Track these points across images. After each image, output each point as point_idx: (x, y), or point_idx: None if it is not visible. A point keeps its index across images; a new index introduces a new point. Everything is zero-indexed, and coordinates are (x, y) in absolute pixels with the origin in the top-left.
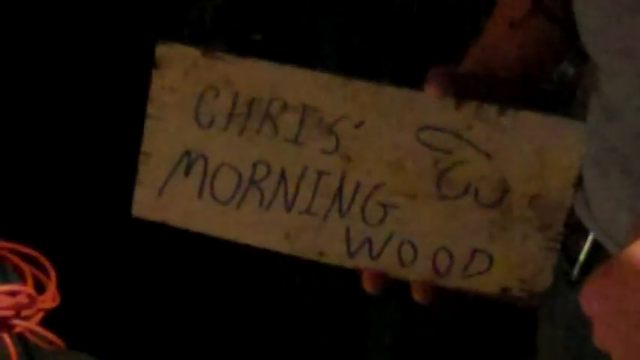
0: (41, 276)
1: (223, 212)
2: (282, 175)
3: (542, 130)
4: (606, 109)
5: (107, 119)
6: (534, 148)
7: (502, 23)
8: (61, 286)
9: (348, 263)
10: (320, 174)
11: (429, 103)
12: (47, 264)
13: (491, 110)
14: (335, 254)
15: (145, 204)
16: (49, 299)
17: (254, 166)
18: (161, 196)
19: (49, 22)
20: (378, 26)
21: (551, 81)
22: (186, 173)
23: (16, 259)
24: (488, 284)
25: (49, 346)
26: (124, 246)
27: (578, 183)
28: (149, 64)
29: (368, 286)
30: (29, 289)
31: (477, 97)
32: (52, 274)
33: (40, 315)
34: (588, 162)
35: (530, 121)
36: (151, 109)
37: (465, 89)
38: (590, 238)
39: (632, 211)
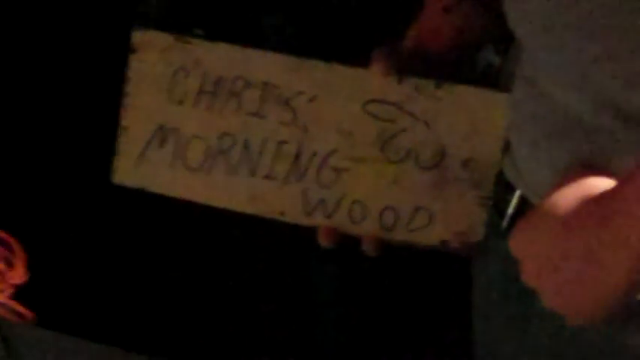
0: (9, 255)
1: (194, 179)
2: (246, 145)
3: (473, 101)
4: (530, 83)
5: (84, 99)
6: (467, 117)
7: (437, 7)
8: (35, 264)
9: (305, 221)
10: (280, 143)
11: (374, 79)
12: (14, 243)
13: (429, 84)
14: (294, 214)
15: (124, 172)
16: (18, 275)
17: (221, 137)
18: (138, 166)
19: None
20: (320, 18)
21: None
22: (161, 145)
23: None
24: (429, 237)
25: (20, 320)
26: (96, 221)
27: (506, 147)
28: (119, 48)
29: (323, 241)
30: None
31: (416, 74)
32: (20, 252)
33: (10, 290)
34: (515, 129)
35: (463, 93)
36: (128, 88)
37: (406, 67)
38: (517, 194)
39: (554, 170)
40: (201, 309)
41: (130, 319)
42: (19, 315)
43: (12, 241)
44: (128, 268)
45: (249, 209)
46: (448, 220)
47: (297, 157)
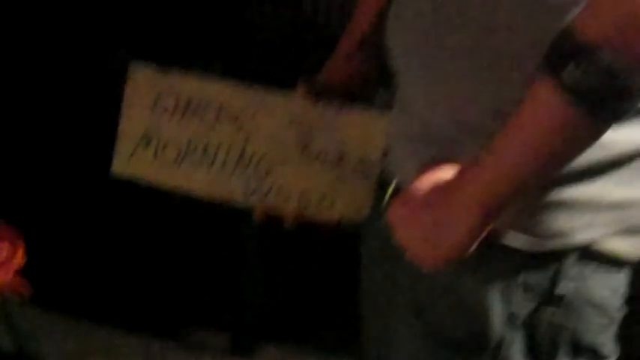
0: (14, 241)
1: (169, 172)
2: (205, 148)
3: (364, 119)
4: (402, 103)
5: (89, 108)
6: (359, 129)
7: (341, 54)
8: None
9: (246, 203)
10: (229, 146)
11: (298, 100)
12: (16, 231)
13: (334, 106)
14: (238, 197)
15: (120, 165)
16: (20, 257)
17: (188, 142)
18: (130, 161)
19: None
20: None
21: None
22: (146, 146)
23: None
24: (331, 216)
25: (20, 297)
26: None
27: (386, 150)
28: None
29: (256, 217)
30: (6, 248)
31: (327, 98)
32: (21, 239)
33: (13, 271)
34: (393, 139)
35: (357, 113)
36: (124, 105)
37: (320, 92)
38: (393, 183)
39: (419, 167)
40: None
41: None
42: (20, 293)
43: (14, 229)
44: (113, 251)
45: (206, 193)
46: (345, 203)
47: (241, 156)
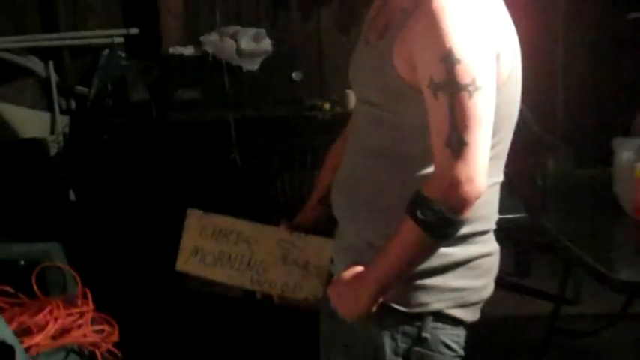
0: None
1: (209, 270)
2: (229, 257)
3: (319, 241)
4: (338, 232)
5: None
6: (316, 246)
7: (315, 198)
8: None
9: (252, 288)
10: (242, 257)
11: (281, 231)
12: (112, 320)
13: (301, 233)
14: (248, 284)
15: (181, 265)
16: (115, 335)
17: (220, 253)
18: (186, 262)
19: None
20: None
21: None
22: (195, 253)
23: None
24: (301, 296)
25: None
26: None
27: (332, 260)
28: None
29: (258, 295)
30: (107, 328)
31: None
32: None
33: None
34: (334, 253)
35: (315, 238)
36: (184, 231)
37: (296, 227)
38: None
39: (345, 266)
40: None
41: None
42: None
43: (112, 320)
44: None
45: (230, 282)
46: (308, 289)
47: (249, 262)
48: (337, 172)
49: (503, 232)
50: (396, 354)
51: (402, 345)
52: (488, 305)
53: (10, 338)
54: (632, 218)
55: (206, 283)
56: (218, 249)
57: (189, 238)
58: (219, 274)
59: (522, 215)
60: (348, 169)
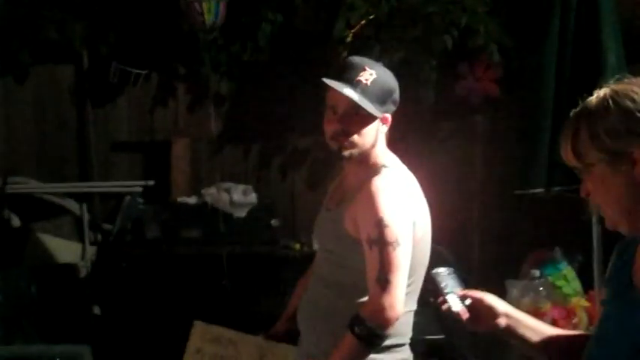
0: None
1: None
2: (222, 357)
3: (287, 348)
4: (300, 342)
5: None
6: (286, 351)
7: (282, 321)
8: None
9: None
10: (232, 357)
11: (258, 340)
12: None
13: (277, 343)
14: None
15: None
16: None
17: (215, 354)
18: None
19: None
20: None
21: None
22: (197, 354)
23: None
24: None
25: None
26: None
27: None
28: None
29: None
30: None
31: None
32: None
33: None
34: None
35: (284, 345)
36: (190, 338)
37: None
38: None
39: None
40: None
41: None
42: None
43: None
44: None
45: None
46: None
47: None
48: (302, 298)
49: (427, 350)
50: None
51: None
52: None
53: None
54: None
55: None
56: (214, 350)
57: (194, 341)
58: None
59: (441, 336)
60: (310, 295)
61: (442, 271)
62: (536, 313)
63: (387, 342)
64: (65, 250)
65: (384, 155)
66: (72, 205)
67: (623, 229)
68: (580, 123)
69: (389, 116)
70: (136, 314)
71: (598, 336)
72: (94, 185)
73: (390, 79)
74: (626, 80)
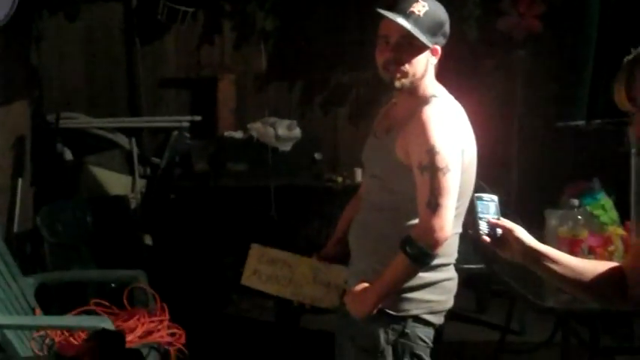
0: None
1: (264, 285)
2: (277, 277)
3: (338, 269)
4: (351, 261)
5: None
6: (337, 272)
7: (332, 241)
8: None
9: (293, 298)
10: (288, 277)
11: (313, 260)
12: (181, 328)
13: (327, 263)
14: (289, 295)
15: (245, 280)
16: (183, 338)
17: (272, 274)
18: (249, 279)
19: None
20: None
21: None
22: (254, 274)
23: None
24: (324, 305)
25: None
26: None
27: (346, 280)
28: None
29: (296, 304)
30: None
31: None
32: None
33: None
34: (348, 275)
35: (336, 266)
36: (248, 260)
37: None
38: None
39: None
40: None
41: None
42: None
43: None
44: None
45: (277, 293)
46: (329, 301)
47: (291, 280)
48: (352, 222)
49: (467, 278)
50: (387, 343)
51: (392, 337)
52: (455, 334)
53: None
54: None
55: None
56: (270, 270)
57: (251, 263)
58: (270, 288)
59: (481, 265)
60: (361, 219)
61: (483, 196)
62: (574, 241)
63: (435, 261)
64: (116, 182)
65: (433, 86)
66: (122, 139)
67: None
68: (635, 69)
69: (439, 48)
70: (185, 244)
71: None
72: (142, 120)
73: (441, 12)
74: None
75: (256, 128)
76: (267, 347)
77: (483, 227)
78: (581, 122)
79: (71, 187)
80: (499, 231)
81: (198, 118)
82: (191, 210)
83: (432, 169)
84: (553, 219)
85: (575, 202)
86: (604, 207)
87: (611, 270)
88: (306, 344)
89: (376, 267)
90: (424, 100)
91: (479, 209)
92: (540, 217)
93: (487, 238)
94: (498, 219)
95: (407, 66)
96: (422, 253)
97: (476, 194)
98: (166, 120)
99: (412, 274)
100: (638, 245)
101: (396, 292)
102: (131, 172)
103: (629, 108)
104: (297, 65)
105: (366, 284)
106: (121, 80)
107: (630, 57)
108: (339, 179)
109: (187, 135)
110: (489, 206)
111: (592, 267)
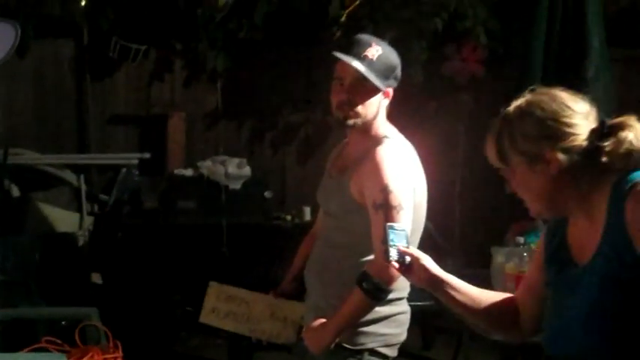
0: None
1: (221, 322)
2: (235, 314)
3: (296, 305)
4: (307, 296)
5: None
6: (295, 308)
7: (289, 278)
8: None
9: (250, 335)
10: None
11: (268, 298)
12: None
13: (285, 300)
14: (246, 332)
15: (203, 318)
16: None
17: (229, 311)
18: (207, 316)
19: None
20: None
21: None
22: (213, 312)
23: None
24: (281, 341)
25: None
26: None
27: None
28: None
29: (254, 339)
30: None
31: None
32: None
33: None
34: (305, 312)
35: (294, 302)
36: (206, 298)
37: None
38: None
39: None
40: None
41: None
42: None
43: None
44: None
45: (235, 330)
46: (286, 336)
47: (248, 318)
48: (309, 259)
49: (412, 315)
50: None
51: None
52: None
53: None
54: None
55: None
56: (228, 308)
57: (209, 300)
58: (228, 325)
59: (429, 302)
60: (317, 255)
61: (395, 226)
62: (520, 277)
63: (390, 296)
64: (64, 219)
65: (385, 126)
66: (70, 176)
67: (547, 215)
68: (502, 128)
69: (390, 91)
70: (135, 282)
71: (552, 314)
72: (91, 157)
73: (393, 57)
74: (538, 91)
75: (206, 166)
76: None
77: (393, 254)
78: None
79: (18, 224)
80: (408, 258)
81: (147, 155)
82: (140, 248)
83: (386, 208)
84: (499, 256)
85: (521, 239)
86: None
87: (507, 301)
88: None
89: (332, 302)
90: (377, 141)
91: (390, 237)
92: (486, 255)
93: (396, 264)
94: (407, 247)
95: (360, 107)
96: (377, 289)
97: (388, 223)
98: (115, 157)
99: (368, 309)
100: (528, 278)
101: (353, 326)
102: (79, 210)
103: (499, 165)
104: (246, 104)
105: (323, 319)
106: (71, 116)
107: (498, 117)
108: (288, 217)
109: (136, 172)
110: (401, 235)
111: (490, 297)
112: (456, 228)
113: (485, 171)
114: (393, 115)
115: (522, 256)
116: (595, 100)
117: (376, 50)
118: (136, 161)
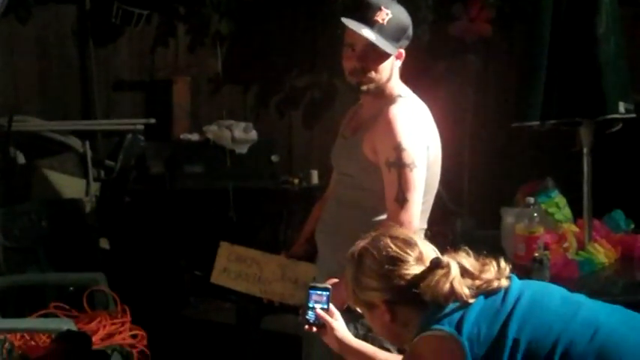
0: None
1: (233, 282)
2: (247, 274)
3: (306, 266)
4: (318, 258)
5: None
6: (304, 269)
7: (301, 240)
8: None
9: (261, 295)
10: (256, 275)
11: (282, 258)
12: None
13: (295, 260)
14: (257, 293)
15: (214, 279)
16: (145, 340)
17: (240, 272)
18: (218, 277)
19: None
20: None
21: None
22: (224, 272)
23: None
24: (292, 302)
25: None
26: None
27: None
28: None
29: (265, 301)
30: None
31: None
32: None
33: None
34: (316, 273)
35: (304, 263)
36: (217, 257)
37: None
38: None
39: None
40: None
41: None
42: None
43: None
44: None
45: (246, 291)
46: (298, 298)
47: (259, 279)
48: (320, 218)
49: None
50: (357, 337)
51: (361, 332)
52: None
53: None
54: (513, 261)
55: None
56: (239, 268)
57: (220, 261)
58: (239, 286)
59: None
60: (330, 215)
61: (318, 286)
62: (531, 238)
63: None
64: (70, 185)
65: (398, 86)
66: (75, 142)
67: (399, 345)
68: (350, 272)
69: (403, 51)
70: (142, 247)
71: None
72: (96, 123)
73: (404, 17)
74: (378, 231)
75: (212, 131)
76: (229, 349)
77: (311, 316)
78: (535, 123)
79: (24, 191)
80: (321, 322)
81: (152, 120)
82: (147, 213)
83: (400, 166)
84: (509, 217)
85: (531, 200)
86: (558, 205)
87: None
88: (268, 346)
89: (344, 263)
90: (390, 100)
91: (311, 299)
92: (496, 216)
93: (310, 327)
94: (327, 310)
95: (373, 73)
96: None
97: (311, 284)
98: (120, 123)
99: None
100: (408, 350)
101: None
102: (85, 176)
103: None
104: (251, 68)
105: (335, 279)
106: (75, 83)
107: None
108: (296, 181)
109: (142, 138)
110: (322, 296)
111: None
112: (466, 190)
113: (497, 130)
114: (401, 78)
115: (532, 217)
116: (606, 58)
117: (386, 14)
118: (141, 127)
